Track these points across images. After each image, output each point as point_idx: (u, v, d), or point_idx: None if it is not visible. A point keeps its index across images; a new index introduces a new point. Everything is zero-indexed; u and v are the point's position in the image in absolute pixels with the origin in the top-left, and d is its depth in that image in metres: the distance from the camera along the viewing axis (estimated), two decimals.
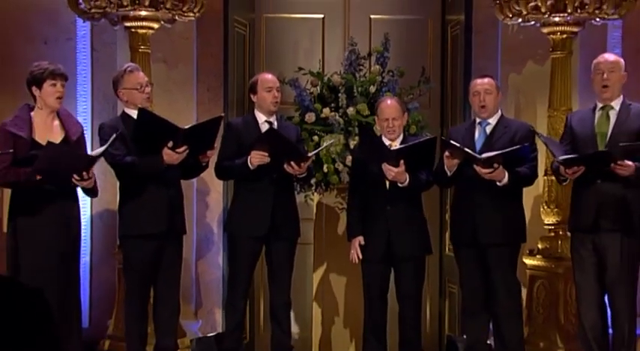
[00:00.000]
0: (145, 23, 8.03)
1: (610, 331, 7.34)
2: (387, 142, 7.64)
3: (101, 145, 7.41)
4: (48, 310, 3.38)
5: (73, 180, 7.00)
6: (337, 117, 8.46)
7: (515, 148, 7.24)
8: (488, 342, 7.71)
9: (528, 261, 8.13)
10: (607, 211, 7.16)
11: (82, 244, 7.80)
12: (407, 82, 8.79)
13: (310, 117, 8.48)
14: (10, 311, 3.01)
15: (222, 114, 7.97)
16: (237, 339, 7.87)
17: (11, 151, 6.96)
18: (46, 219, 7.13)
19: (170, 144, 7.18)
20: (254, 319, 8.78)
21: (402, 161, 7.33)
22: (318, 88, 8.69)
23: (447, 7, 9.40)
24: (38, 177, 6.96)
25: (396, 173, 7.33)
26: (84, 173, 6.96)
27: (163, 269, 7.47)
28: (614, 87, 7.31)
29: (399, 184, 7.40)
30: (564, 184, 7.45)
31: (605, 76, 7.30)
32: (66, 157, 7.10)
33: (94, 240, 8.68)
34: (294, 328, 8.14)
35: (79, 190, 7.28)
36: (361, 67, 8.80)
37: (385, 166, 7.35)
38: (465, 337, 7.83)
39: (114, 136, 7.18)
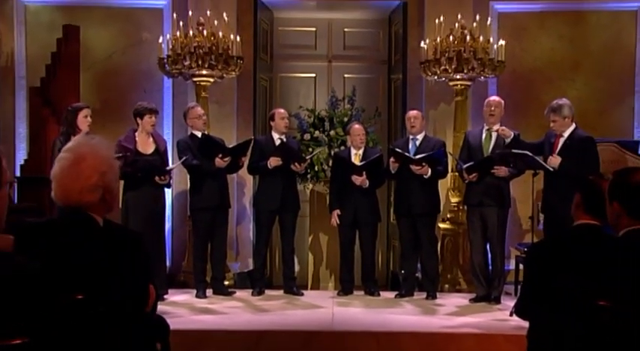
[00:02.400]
0: (205, 78, 8.03)
1: (490, 267, 7.43)
2: (352, 152, 7.73)
3: (178, 154, 7.59)
4: (145, 247, 3.54)
5: (155, 179, 7.21)
6: (324, 136, 8.57)
7: (433, 152, 7.40)
8: (417, 275, 7.78)
9: (441, 225, 8.17)
10: (488, 194, 7.28)
11: (166, 215, 7.89)
12: (367, 115, 8.88)
13: (307, 136, 8.59)
14: (122, 244, 3.05)
15: (252, 137, 8.02)
16: (261, 273, 7.89)
17: (128, 154, 7.07)
18: (143, 197, 7.22)
19: (220, 156, 7.38)
20: (272, 262, 8.74)
21: (364, 172, 7.51)
22: (312, 118, 8.77)
23: (391, 70, 9.41)
24: (139, 174, 7.15)
25: (361, 181, 7.49)
26: (162, 176, 7.22)
27: (216, 229, 7.58)
28: (497, 117, 7.41)
29: (363, 187, 7.53)
30: (466, 182, 7.46)
31: (492, 109, 7.42)
32: (154, 166, 7.28)
33: (174, 213, 8.71)
34: (296, 267, 8.09)
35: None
36: (338, 106, 8.85)
37: (353, 177, 7.49)
38: (402, 271, 7.86)
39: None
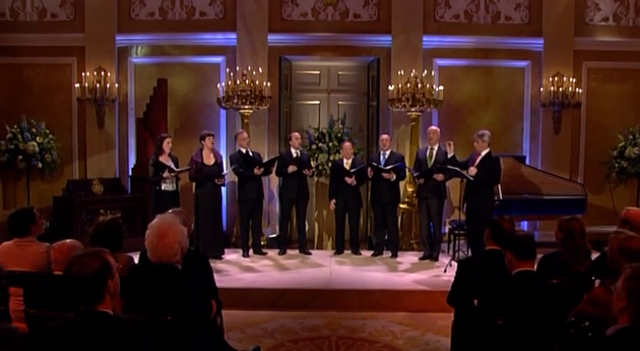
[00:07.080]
0: (247, 110, 7.80)
1: (432, 237, 7.34)
2: (344, 161, 7.54)
3: (230, 164, 7.45)
4: (207, 261, 3.51)
5: (215, 181, 7.12)
6: (324, 146, 8.34)
7: (396, 165, 7.24)
8: (386, 238, 7.62)
9: (401, 206, 7.95)
10: (431, 191, 7.19)
11: (223, 202, 7.73)
12: (353, 131, 8.58)
13: (313, 146, 8.36)
14: (193, 262, 3.17)
15: (277, 155, 7.83)
16: (284, 239, 7.75)
17: (194, 166, 7.07)
18: (207, 192, 7.17)
19: (256, 167, 7.25)
20: (291, 230, 8.47)
21: (353, 176, 7.37)
22: (317, 134, 8.52)
23: (369, 100, 9.07)
24: (204, 178, 7.09)
25: (350, 181, 7.34)
26: (219, 179, 7.13)
27: (255, 212, 7.45)
28: (435, 140, 7.30)
29: (352, 185, 7.40)
30: (417, 183, 7.38)
31: (431, 135, 7.32)
32: (214, 172, 7.16)
33: (228, 200, 8.40)
34: (307, 230, 8.02)
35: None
36: (334, 125, 8.60)
37: (345, 178, 7.35)
38: (375, 236, 7.77)
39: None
